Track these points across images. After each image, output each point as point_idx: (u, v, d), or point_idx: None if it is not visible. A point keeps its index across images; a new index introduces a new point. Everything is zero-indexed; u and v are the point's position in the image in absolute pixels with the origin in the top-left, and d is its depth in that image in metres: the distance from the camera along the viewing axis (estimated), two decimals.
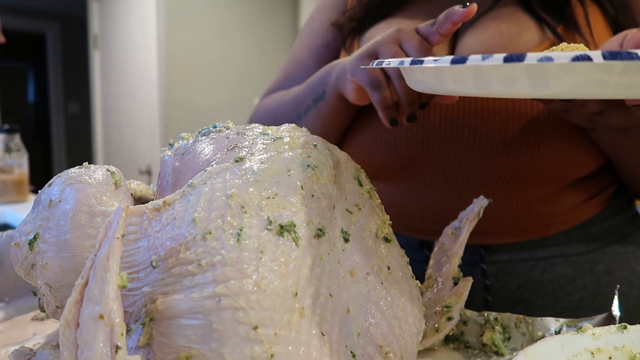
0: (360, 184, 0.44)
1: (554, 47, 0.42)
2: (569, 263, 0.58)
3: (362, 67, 0.48)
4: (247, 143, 0.43)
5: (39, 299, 0.45)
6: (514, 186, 0.58)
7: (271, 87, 0.81)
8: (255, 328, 0.31)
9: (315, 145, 0.43)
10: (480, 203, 0.53)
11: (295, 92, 0.68)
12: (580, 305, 0.58)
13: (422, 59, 0.36)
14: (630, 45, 0.42)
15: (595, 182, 0.60)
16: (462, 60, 0.32)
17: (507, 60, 0.31)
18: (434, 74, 0.38)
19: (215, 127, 0.47)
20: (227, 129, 0.46)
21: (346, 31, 0.71)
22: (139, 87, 3.12)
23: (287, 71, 0.80)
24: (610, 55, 0.29)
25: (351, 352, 0.36)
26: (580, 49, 0.41)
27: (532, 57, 0.30)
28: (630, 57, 0.28)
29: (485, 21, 0.60)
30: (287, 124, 0.46)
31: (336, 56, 0.74)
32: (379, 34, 0.61)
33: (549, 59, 0.30)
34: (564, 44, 0.42)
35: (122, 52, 3.25)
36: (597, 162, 0.58)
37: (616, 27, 0.60)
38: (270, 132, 0.44)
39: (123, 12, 3.20)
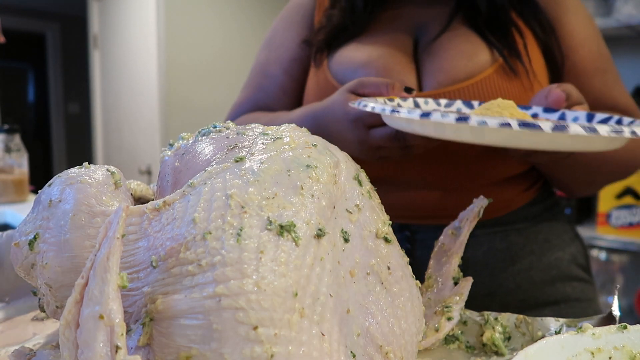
0: (360, 184, 0.45)
1: (492, 101, 0.53)
2: (519, 233, 0.74)
3: (353, 118, 0.56)
4: (247, 143, 0.43)
5: (39, 299, 0.45)
6: (469, 180, 0.71)
7: (242, 100, 0.83)
8: (255, 328, 0.31)
9: (315, 145, 0.43)
10: (480, 203, 0.54)
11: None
12: (530, 267, 0.73)
13: (398, 109, 0.45)
14: (550, 101, 0.56)
15: (527, 178, 0.75)
16: (466, 119, 0.43)
17: (458, 120, 0.42)
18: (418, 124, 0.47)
19: (215, 127, 0.47)
20: (227, 129, 0.46)
21: (317, 49, 0.77)
22: (139, 87, 3.12)
23: (257, 83, 0.83)
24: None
25: (351, 352, 0.36)
26: (510, 106, 0.52)
27: (474, 120, 0.41)
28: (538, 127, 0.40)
29: (444, 41, 0.70)
30: (286, 124, 0.47)
31: (306, 70, 0.80)
32: (349, 54, 0.73)
33: (484, 122, 0.41)
34: (499, 100, 0.53)
35: (122, 52, 3.25)
36: (525, 166, 0.74)
37: (546, 50, 0.72)
38: (270, 132, 0.44)
39: (123, 12, 3.20)
